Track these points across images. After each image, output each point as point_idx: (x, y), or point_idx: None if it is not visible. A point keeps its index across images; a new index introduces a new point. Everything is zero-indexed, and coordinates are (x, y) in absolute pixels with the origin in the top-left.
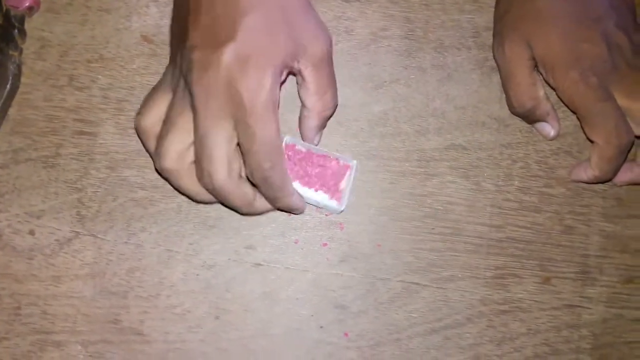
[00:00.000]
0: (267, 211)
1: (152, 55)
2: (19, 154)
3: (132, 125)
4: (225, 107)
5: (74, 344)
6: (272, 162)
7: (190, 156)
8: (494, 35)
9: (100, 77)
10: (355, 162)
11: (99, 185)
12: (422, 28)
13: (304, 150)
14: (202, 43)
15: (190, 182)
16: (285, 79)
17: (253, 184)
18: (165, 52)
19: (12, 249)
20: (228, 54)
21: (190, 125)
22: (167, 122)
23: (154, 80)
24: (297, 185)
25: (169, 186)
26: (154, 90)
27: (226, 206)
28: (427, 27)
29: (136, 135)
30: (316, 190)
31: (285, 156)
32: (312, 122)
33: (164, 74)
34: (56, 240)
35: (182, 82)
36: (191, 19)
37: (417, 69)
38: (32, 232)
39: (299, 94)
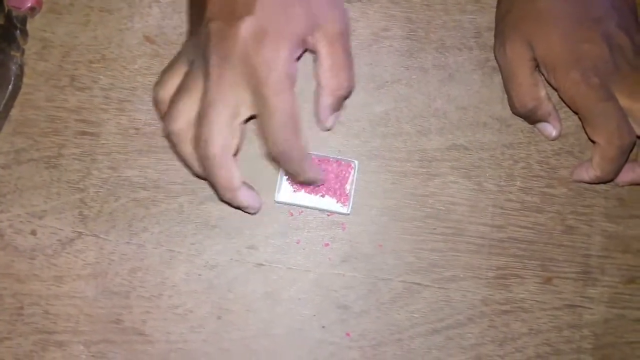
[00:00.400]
0: (245, 206)
1: (154, 56)
2: (21, 155)
3: (134, 126)
4: (240, 79)
5: (76, 344)
6: (291, 132)
7: None
8: (495, 36)
9: (102, 77)
10: (356, 161)
11: (101, 185)
12: (423, 28)
13: None
14: (221, 15)
15: (191, 150)
16: (302, 54)
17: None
18: (167, 52)
19: (14, 249)
20: (246, 27)
21: (202, 94)
22: (182, 88)
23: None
24: (302, 194)
25: (171, 186)
26: (172, 63)
27: (210, 185)
28: (428, 27)
29: (138, 136)
30: (322, 196)
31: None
32: (325, 100)
33: (182, 47)
34: (58, 240)
35: (199, 53)
36: None
37: (419, 69)
38: (34, 232)
39: (314, 72)
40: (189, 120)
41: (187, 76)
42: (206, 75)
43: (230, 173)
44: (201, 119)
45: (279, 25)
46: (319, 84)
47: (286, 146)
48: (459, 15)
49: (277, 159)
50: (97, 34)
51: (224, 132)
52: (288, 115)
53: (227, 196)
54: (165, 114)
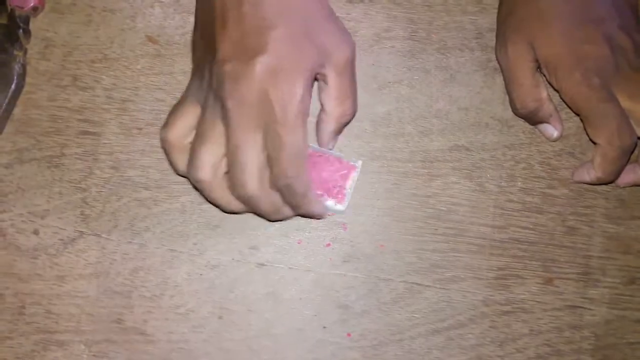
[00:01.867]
0: (292, 216)
1: (156, 56)
2: (24, 154)
3: (137, 126)
4: (258, 118)
5: (77, 344)
6: (297, 171)
7: (223, 168)
8: (496, 37)
9: (104, 77)
10: (360, 162)
11: (103, 185)
12: (425, 29)
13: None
14: (233, 56)
15: (223, 193)
16: (313, 85)
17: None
18: (169, 52)
19: (17, 249)
20: (260, 67)
21: (222, 138)
22: (200, 135)
23: (158, 80)
24: None
25: (173, 186)
26: (180, 104)
27: (255, 213)
28: (430, 28)
29: (140, 135)
30: (325, 201)
31: None
32: (329, 126)
33: (189, 87)
34: (60, 239)
35: (211, 95)
36: (219, 33)
37: (421, 70)
38: (36, 232)
39: (319, 97)
40: (214, 166)
41: (202, 122)
42: (225, 119)
43: (272, 200)
44: (232, 165)
45: (292, 61)
46: (323, 110)
47: (291, 182)
48: (461, 16)
49: (281, 191)
50: (99, 34)
51: (256, 171)
52: (297, 151)
53: (274, 217)
54: (188, 164)
